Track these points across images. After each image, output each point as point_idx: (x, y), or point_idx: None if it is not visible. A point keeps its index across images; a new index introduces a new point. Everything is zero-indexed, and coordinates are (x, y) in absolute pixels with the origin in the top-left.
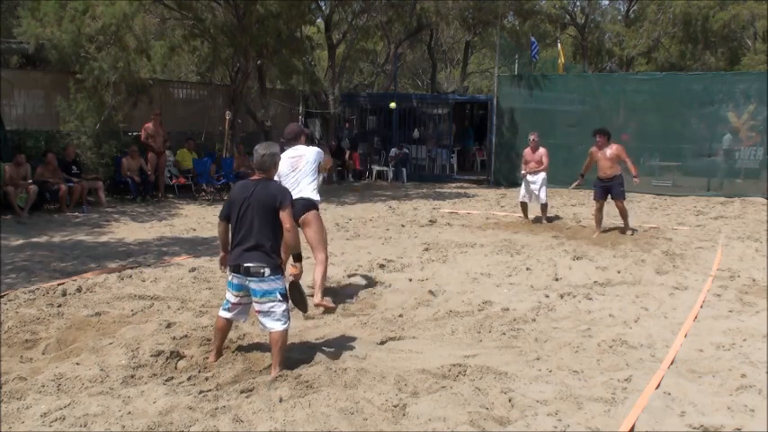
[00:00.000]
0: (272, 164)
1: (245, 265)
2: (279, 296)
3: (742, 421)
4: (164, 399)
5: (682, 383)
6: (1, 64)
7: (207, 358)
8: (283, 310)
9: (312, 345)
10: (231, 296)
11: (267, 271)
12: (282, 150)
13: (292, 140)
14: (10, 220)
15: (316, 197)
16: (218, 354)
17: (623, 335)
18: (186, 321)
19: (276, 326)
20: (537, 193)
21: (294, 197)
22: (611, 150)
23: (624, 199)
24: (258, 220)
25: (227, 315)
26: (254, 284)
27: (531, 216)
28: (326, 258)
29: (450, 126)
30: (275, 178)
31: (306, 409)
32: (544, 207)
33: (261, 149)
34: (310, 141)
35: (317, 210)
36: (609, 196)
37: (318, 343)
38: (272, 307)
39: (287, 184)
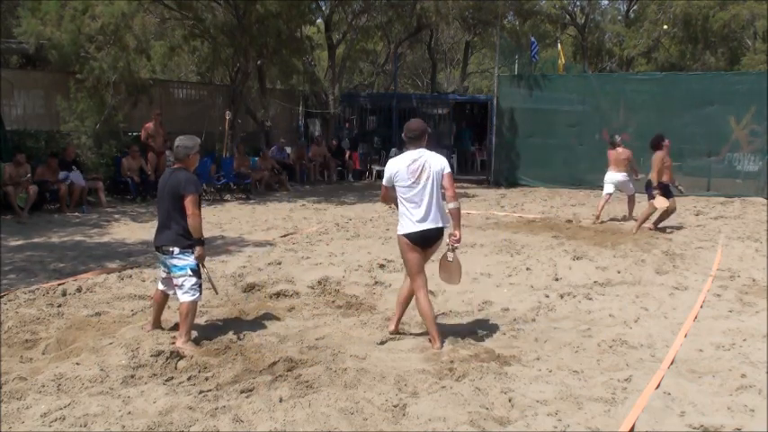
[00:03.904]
0: (184, 155)
1: (157, 244)
2: (189, 271)
3: (742, 421)
4: (164, 399)
5: (682, 383)
6: (1, 64)
7: (145, 327)
8: (192, 284)
9: (312, 345)
10: (161, 272)
11: (176, 250)
12: (401, 150)
13: (415, 140)
14: (10, 220)
15: (446, 222)
16: (156, 325)
17: (623, 335)
18: None
19: (185, 297)
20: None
21: (426, 226)
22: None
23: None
24: (169, 204)
25: (161, 287)
26: (168, 261)
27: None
28: (420, 287)
29: (451, 126)
30: (387, 183)
31: (306, 409)
32: (632, 199)
33: (178, 141)
34: (311, 141)
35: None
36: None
37: (318, 343)
38: (184, 281)
39: (408, 197)
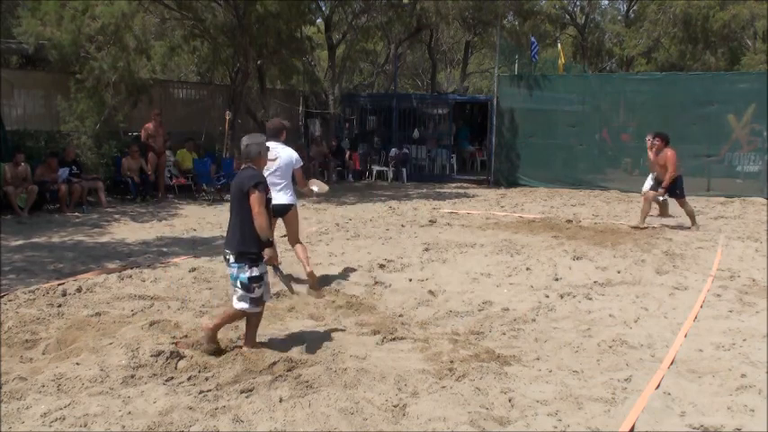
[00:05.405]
0: (256, 154)
1: (224, 248)
2: (239, 284)
3: (742, 421)
4: (164, 399)
5: (682, 383)
6: (1, 64)
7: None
8: (240, 296)
9: (312, 345)
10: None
11: (231, 258)
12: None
13: (273, 136)
14: (10, 220)
15: (292, 200)
16: (251, 343)
17: (623, 335)
18: (186, 321)
19: (237, 304)
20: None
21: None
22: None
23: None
24: (234, 207)
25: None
26: (228, 268)
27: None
28: (303, 247)
29: (450, 126)
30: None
31: (306, 409)
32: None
33: (246, 140)
34: (311, 141)
35: (295, 208)
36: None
37: (318, 343)
38: (236, 291)
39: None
